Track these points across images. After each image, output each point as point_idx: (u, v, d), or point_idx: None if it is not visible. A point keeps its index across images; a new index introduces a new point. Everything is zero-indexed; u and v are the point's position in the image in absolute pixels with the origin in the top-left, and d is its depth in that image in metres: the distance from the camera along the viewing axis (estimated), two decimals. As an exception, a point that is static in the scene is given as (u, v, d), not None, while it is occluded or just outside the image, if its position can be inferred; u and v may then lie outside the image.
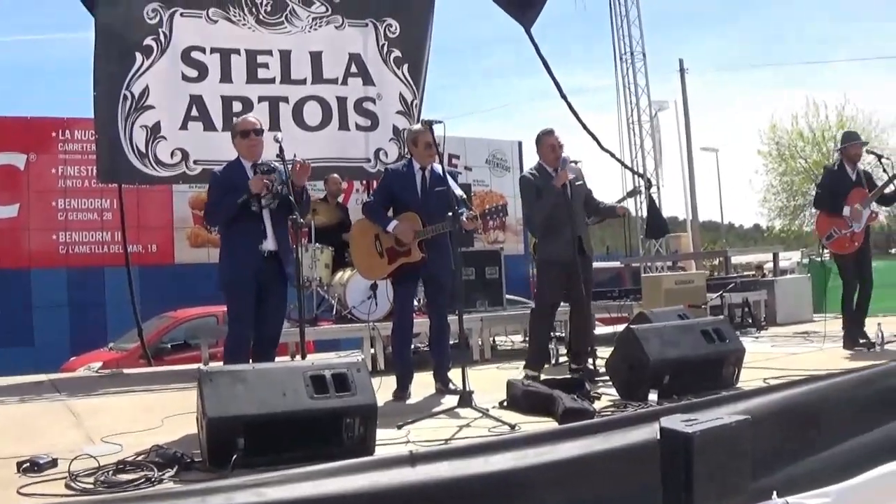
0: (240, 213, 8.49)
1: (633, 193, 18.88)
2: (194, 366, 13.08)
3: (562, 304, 10.97)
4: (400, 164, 10.15)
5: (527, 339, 12.28)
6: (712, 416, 5.34)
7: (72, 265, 22.44)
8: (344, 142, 13.70)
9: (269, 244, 8.59)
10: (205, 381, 6.11)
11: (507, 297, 14.38)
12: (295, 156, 8.80)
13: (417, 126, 9.85)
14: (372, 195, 10.51)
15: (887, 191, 11.73)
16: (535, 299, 10.98)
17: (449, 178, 9.37)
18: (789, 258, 41.01)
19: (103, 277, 21.57)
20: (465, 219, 8.90)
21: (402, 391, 9.30)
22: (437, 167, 9.52)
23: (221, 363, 8.80)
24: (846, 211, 11.29)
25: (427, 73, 14.43)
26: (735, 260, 30.00)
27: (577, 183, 10.39)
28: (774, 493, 4.25)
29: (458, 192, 9.30)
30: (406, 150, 10.80)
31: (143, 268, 19.58)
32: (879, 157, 12.38)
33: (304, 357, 8.64)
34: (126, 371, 13.76)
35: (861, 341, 11.20)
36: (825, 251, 12.38)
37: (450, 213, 8.73)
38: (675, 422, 5.12)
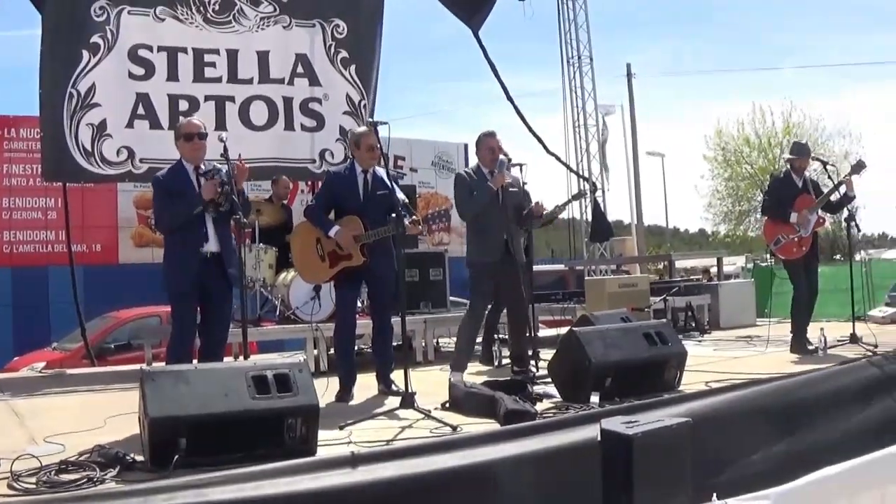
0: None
1: (578, 197, 18.93)
2: (137, 366, 13.07)
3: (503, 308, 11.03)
4: (342, 168, 10.14)
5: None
6: (653, 418, 5.39)
7: (15, 264, 22.38)
8: (289, 142, 13.70)
9: (211, 246, 8.56)
10: (147, 381, 6.11)
11: (451, 298, 14.39)
12: (240, 156, 8.80)
13: (361, 128, 9.90)
14: (314, 199, 10.46)
15: (833, 198, 11.83)
16: (469, 301, 10.99)
17: (391, 181, 9.46)
18: (734, 263, 41.27)
19: (47, 277, 21.47)
20: (407, 223, 8.90)
21: (344, 393, 9.26)
22: (380, 171, 9.54)
23: (165, 364, 8.80)
24: (793, 217, 11.37)
25: (379, 75, 14.48)
26: (680, 264, 30.22)
27: (511, 189, 10.42)
28: (714, 495, 4.29)
29: (401, 195, 9.30)
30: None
31: (87, 267, 19.56)
32: (825, 164, 12.50)
33: (246, 358, 8.66)
34: (69, 371, 13.65)
35: (809, 347, 11.30)
36: (771, 257, 12.48)
37: (392, 216, 8.71)
38: (615, 424, 5.18)
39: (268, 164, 13.40)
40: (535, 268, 11.75)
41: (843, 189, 11.82)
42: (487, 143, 10.56)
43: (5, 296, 21.95)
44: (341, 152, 13.65)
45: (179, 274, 8.48)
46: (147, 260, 21.19)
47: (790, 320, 11.77)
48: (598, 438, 5.16)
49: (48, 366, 15.67)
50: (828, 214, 11.94)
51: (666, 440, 5.14)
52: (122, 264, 22.86)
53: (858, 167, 11.81)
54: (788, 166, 12.12)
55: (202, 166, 8.69)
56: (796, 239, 11.39)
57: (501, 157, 10.35)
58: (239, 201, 8.47)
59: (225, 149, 8.50)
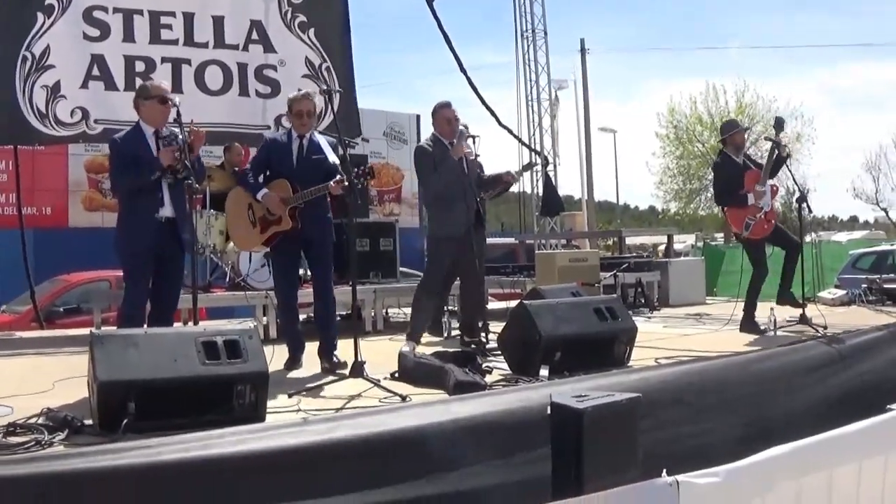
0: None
1: (528, 167, 18.97)
2: (87, 330, 13.02)
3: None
4: (280, 133, 10.14)
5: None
6: (603, 393, 5.42)
7: (-37, 226, 22.04)
8: (244, 108, 13.69)
9: (166, 211, 8.42)
10: (96, 344, 6.11)
11: (401, 269, 14.42)
12: (192, 121, 8.72)
13: (294, 93, 9.69)
14: (248, 164, 10.33)
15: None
16: (425, 272, 10.96)
17: (327, 146, 9.41)
18: (684, 241, 41.45)
19: (-6, 239, 21.26)
20: (331, 184, 8.89)
21: (293, 362, 9.24)
22: (318, 137, 9.51)
23: (115, 328, 8.77)
24: (750, 199, 11.41)
25: (350, 37, 14.52)
26: (630, 241, 30.29)
27: (471, 157, 10.44)
28: (664, 471, 4.32)
29: (332, 158, 9.28)
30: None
31: (37, 231, 19.45)
32: (776, 143, 12.53)
33: (196, 324, 8.64)
34: (17, 334, 13.64)
35: (761, 327, 11.40)
36: (728, 242, 12.49)
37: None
38: (565, 397, 5.19)
39: (222, 130, 13.37)
40: (486, 241, 11.72)
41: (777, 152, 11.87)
42: (444, 114, 10.57)
43: (-47, 258, 21.70)
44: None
45: (135, 237, 8.34)
46: (97, 224, 21.13)
47: (744, 299, 11.79)
48: (548, 412, 5.17)
49: (-4, 329, 15.63)
50: (772, 179, 11.92)
51: (616, 415, 5.17)
52: (73, 228, 22.72)
53: (779, 125, 11.92)
54: (722, 147, 12.18)
55: (163, 131, 8.60)
56: (763, 216, 11.43)
57: (461, 127, 10.35)
58: (194, 168, 8.40)
59: (178, 113, 8.39)
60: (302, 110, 9.31)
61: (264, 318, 11.93)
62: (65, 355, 10.53)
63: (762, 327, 11.31)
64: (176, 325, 9.85)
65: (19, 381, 8.41)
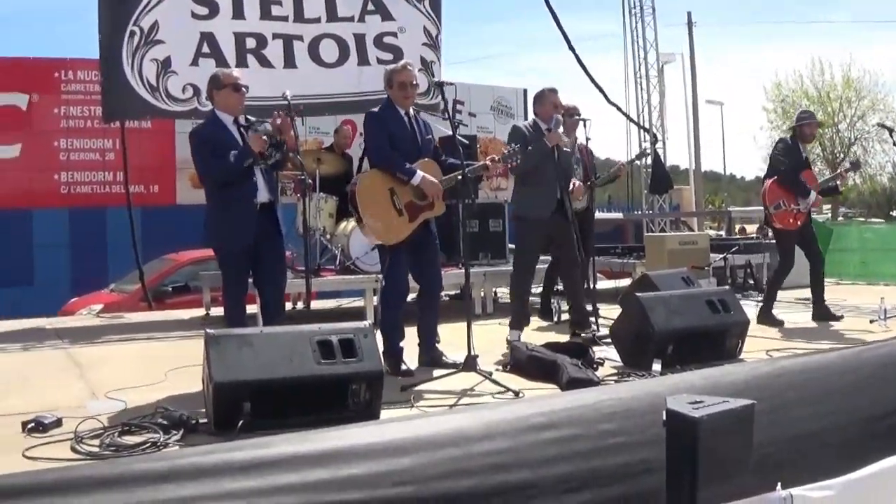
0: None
1: (641, 156, 18.87)
2: (195, 311, 13.16)
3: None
4: (383, 109, 8.88)
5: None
6: (717, 399, 5.32)
7: (73, 205, 22.45)
8: (363, 76, 13.45)
9: (262, 196, 8.26)
10: (212, 344, 6.10)
11: (510, 245, 14.32)
12: (284, 94, 8.49)
13: (393, 65, 9.10)
14: (376, 143, 8.78)
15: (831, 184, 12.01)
16: (514, 257, 10.63)
17: (432, 126, 9.15)
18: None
19: (105, 218, 21.46)
20: (488, 162, 8.73)
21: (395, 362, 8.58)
22: (414, 112, 8.94)
23: (222, 309, 8.76)
24: (811, 197, 11.36)
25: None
26: (736, 213, 30.06)
27: (565, 150, 10.24)
28: (779, 484, 4.22)
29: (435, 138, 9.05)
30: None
31: (144, 208, 19.55)
32: (891, 130, 12.36)
33: (308, 306, 8.59)
34: (127, 316, 13.81)
35: (838, 315, 11.44)
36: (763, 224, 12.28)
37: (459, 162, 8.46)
38: (681, 404, 5.10)
39: (343, 100, 13.31)
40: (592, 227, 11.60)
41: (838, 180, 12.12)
42: (551, 99, 10.32)
43: (63, 236, 22.06)
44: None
45: (232, 234, 8.20)
46: (205, 201, 21.25)
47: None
48: (664, 418, 5.08)
49: (105, 308, 15.80)
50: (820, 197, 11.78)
51: (731, 422, 5.07)
52: (180, 205, 22.79)
53: (855, 166, 11.86)
54: (792, 132, 11.99)
55: (241, 119, 8.44)
56: (794, 211, 11.30)
57: (557, 115, 10.20)
58: (291, 156, 8.42)
59: (289, 105, 8.25)
60: (406, 81, 8.62)
61: (374, 300, 11.86)
62: (175, 340, 10.67)
63: (834, 315, 11.37)
64: (287, 306, 9.84)
65: (131, 369, 8.50)
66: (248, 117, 8.48)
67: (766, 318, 11.29)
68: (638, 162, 26.74)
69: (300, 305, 12.41)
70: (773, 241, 14.12)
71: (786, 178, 11.43)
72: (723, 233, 30.02)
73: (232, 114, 8.35)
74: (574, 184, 10.56)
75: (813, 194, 11.31)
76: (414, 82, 8.71)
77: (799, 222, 11.43)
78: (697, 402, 5.09)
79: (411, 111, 8.84)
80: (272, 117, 8.38)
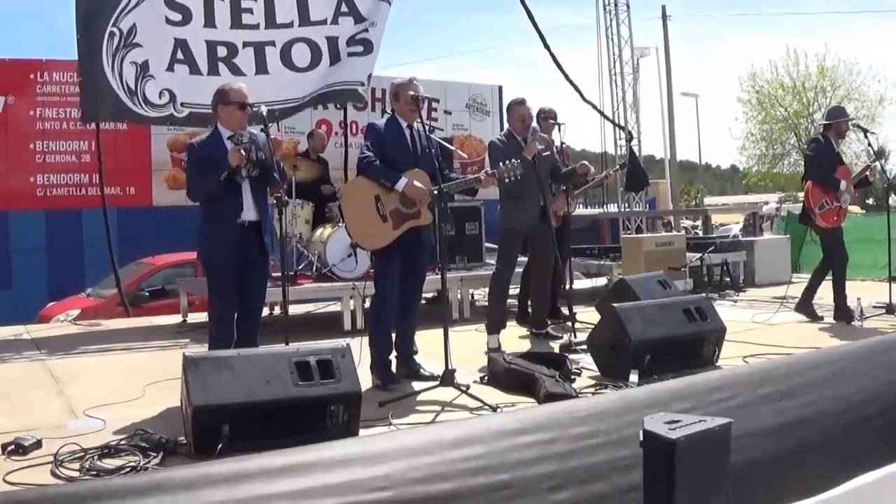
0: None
1: (624, 166, 18.95)
2: (172, 317, 13.16)
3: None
4: (383, 121, 9.00)
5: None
6: (694, 418, 5.34)
7: (49, 207, 22.36)
8: (337, 71, 13.48)
9: (248, 214, 8.15)
10: (190, 368, 6.12)
11: (487, 245, 14.30)
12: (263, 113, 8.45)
13: (400, 78, 8.94)
14: (365, 150, 8.74)
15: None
16: (496, 264, 10.82)
17: (435, 141, 9.06)
18: (767, 202, 41.12)
19: (81, 219, 21.43)
20: (481, 176, 8.75)
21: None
22: (418, 125, 8.87)
23: (204, 314, 8.76)
24: (842, 185, 11.40)
25: None
26: (709, 200, 30.17)
27: (544, 153, 10.32)
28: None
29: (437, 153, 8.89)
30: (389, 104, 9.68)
31: (120, 210, 19.55)
32: (865, 131, 12.51)
33: (285, 313, 8.55)
34: (104, 323, 13.77)
35: (820, 315, 11.60)
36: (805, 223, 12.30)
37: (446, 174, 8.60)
38: (658, 425, 5.13)
39: (317, 94, 13.34)
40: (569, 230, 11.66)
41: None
42: (518, 112, 10.46)
43: (39, 239, 21.98)
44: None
45: (218, 246, 8.11)
46: (181, 203, 21.09)
47: (828, 282, 11.72)
48: (641, 438, 5.12)
49: (83, 314, 15.82)
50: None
51: (708, 443, 5.11)
52: (156, 207, 22.81)
53: (881, 153, 11.95)
54: (824, 130, 12.05)
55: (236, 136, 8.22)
56: (837, 209, 11.38)
57: (534, 125, 10.35)
58: (277, 169, 8.28)
59: (263, 120, 8.19)
60: (414, 95, 8.50)
61: (350, 306, 11.94)
62: (153, 350, 10.68)
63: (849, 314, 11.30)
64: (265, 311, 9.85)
65: (110, 385, 8.51)
66: (250, 132, 8.39)
67: (804, 308, 11.71)
68: (613, 152, 26.90)
69: (277, 311, 12.43)
70: (749, 239, 14.18)
71: (818, 178, 11.58)
72: (699, 224, 30.20)
73: (229, 129, 8.25)
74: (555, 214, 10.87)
75: (843, 184, 11.41)
76: (422, 96, 8.62)
77: (841, 219, 11.58)
78: (674, 421, 5.12)
79: (415, 124, 8.83)
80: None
